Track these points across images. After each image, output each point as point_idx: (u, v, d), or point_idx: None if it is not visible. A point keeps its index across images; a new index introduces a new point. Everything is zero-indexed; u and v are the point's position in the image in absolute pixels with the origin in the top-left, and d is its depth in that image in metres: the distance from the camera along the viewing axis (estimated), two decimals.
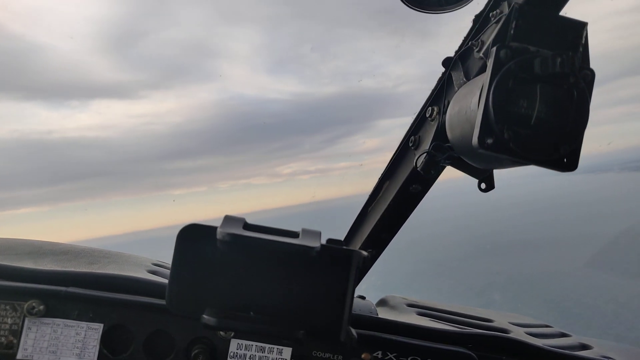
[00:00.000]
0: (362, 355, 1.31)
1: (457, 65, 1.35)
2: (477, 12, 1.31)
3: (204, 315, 0.91)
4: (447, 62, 1.40)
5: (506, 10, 1.12)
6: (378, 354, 1.32)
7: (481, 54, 1.19)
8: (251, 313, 0.92)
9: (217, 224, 0.91)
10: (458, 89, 1.27)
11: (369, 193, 1.98)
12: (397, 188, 1.71)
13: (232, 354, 1.27)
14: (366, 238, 1.98)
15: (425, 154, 1.38)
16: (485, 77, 0.97)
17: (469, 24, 1.35)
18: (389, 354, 1.33)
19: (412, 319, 1.62)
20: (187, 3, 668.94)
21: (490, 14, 1.21)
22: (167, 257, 0.93)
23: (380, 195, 1.90)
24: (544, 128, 0.95)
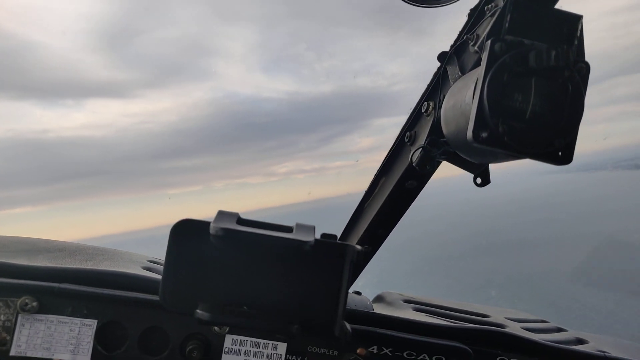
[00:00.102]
0: (358, 350, 1.31)
1: (453, 60, 1.35)
2: (472, 6, 1.31)
3: (198, 311, 0.90)
4: (442, 57, 1.40)
5: (501, 3, 1.12)
6: (373, 349, 1.32)
7: (476, 48, 1.18)
8: (245, 308, 0.91)
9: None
10: (453, 84, 1.27)
11: (365, 190, 1.98)
12: (393, 184, 1.71)
13: (226, 349, 1.27)
14: (362, 234, 1.98)
15: (420, 149, 1.38)
16: (480, 70, 0.97)
17: (465, 20, 1.35)
18: (384, 348, 1.33)
19: (408, 314, 1.62)
20: (182, 1, 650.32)
21: (486, 8, 1.21)
22: (163, 255, 0.93)
23: (376, 191, 1.90)
24: (538, 122, 0.95)
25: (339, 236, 2.11)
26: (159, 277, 1.33)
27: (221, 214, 0.93)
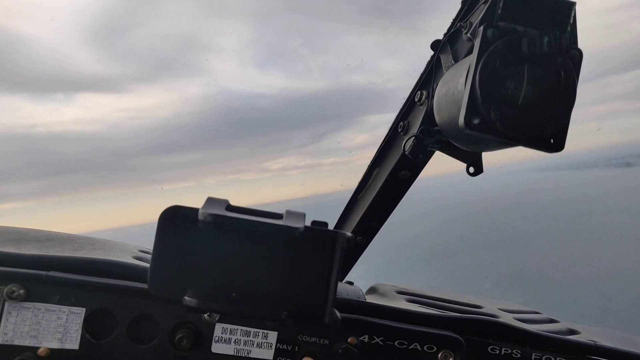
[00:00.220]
0: (349, 340, 1.31)
1: (446, 48, 1.34)
2: None
3: (186, 297, 0.90)
4: (435, 45, 1.39)
5: None
6: (364, 338, 1.32)
7: (469, 35, 1.18)
8: (233, 295, 0.91)
9: None
10: (446, 72, 1.26)
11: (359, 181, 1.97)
12: (387, 175, 1.71)
13: (216, 338, 1.26)
14: (355, 226, 1.97)
15: (413, 137, 1.38)
16: (472, 57, 0.96)
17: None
18: (375, 338, 1.32)
19: (401, 305, 1.62)
20: None
21: None
22: None
23: (369, 182, 1.90)
24: (531, 108, 0.94)
25: (333, 227, 2.11)
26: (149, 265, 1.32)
27: (210, 201, 0.92)
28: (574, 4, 1.03)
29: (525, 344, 1.46)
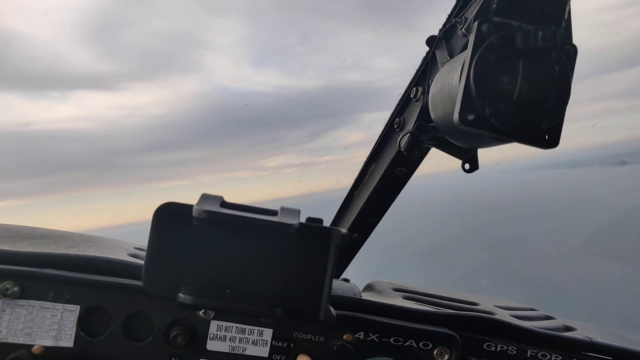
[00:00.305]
0: (344, 337, 1.30)
1: (441, 44, 1.33)
2: None
3: (180, 294, 0.89)
4: (430, 41, 1.38)
5: None
6: (360, 335, 1.32)
7: (464, 31, 1.17)
8: (227, 291, 0.90)
9: None
10: (441, 68, 1.26)
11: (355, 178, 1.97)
12: (383, 171, 1.70)
13: (212, 335, 1.26)
14: (352, 222, 1.97)
15: (408, 134, 1.37)
16: (467, 52, 0.96)
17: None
18: (371, 334, 1.32)
19: (397, 302, 1.62)
20: None
21: None
22: None
23: (365, 179, 1.90)
24: (525, 104, 0.94)
25: (329, 225, 2.11)
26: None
27: (205, 197, 0.91)
28: None
29: (520, 341, 1.46)
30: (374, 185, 1.77)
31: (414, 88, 1.46)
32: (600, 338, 1.57)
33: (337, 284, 1.67)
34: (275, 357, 1.28)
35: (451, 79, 1.05)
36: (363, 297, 1.53)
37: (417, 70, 1.48)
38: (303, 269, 0.93)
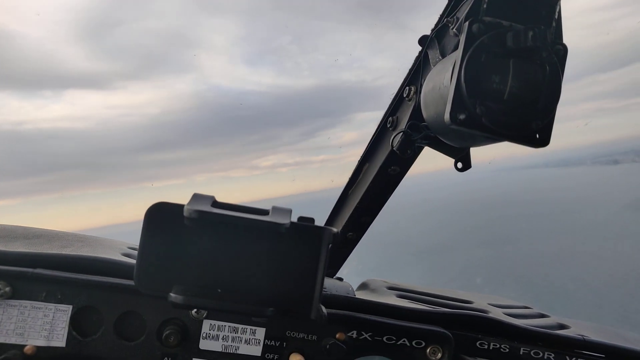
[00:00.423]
0: (337, 335, 1.31)
1: (434, 43, 1.34)
2: None
3: (171, 294, 0.89)
4: (423, 41, 1.39)
5: None
6: (353, 334, 1.32)
7: (455, 30, 1.18)
8: (219, 291, 0.90)
9: None
10: (433, 67, 1.26)
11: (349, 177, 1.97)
12: (376, 170, 1.71)
13: (204, 334, 1.26)
14: (346, 221, 1.97)
15: (401, 133, 1.38)
16: (458, 51, 0.96)
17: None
18: (363, 333, 1.32)
19: (391, 300, 1.63)
20: None
21: None
22: None
23: (359, 178, 1.90)
24: (516, 103, 0.94)
25: (323, 224, 2.11)
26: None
27: (196, 197, 0.91)
28: None
29: (513, 339, 1.47)
30: (367, 184, 1.78)
31: (407, 87, 1.47)
32: (593, 336, 1.58)
33: (330, 283, 1.67)
34: (268, 356, 1.28)
35: (442, 79, 1.06)
36: (357, 296, 1.54)
37: (410, 70, 1.48)
38: (294, 268, 0.94)
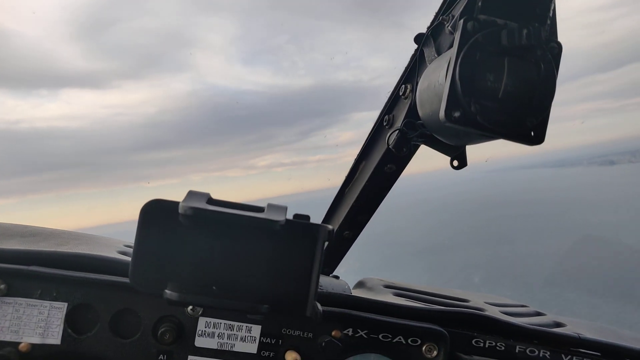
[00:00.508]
0: (333, 333, 1.31)
1: (429, 41, 1.34)
2: None
3: (166, 291, 0.89)
4: (418, 39, 1.39)
5: None
6: (348, 331, 1.32)
7: (450, 28, 1.18)
8: (214, 288, 0.90)
9: None
10: (429, 65, 1.27)
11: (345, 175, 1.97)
12: (373, 168, 1.71)
13: (200, 332, 1.26)
14: (343, 220, 1.98)
15: (397, 131, 1.38)
16: (453, 49, 0.97)
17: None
18: (359, 331, 1.33)
19: (387, 298, 1.63)
20: None
21: None
22: None
23: (356, 176, 1.90)
24: (511, 101, 0.95)
25: (320, 222, 2.11)
26: None
27: (191, 194, 0.91)
28: None
29: (509, 337, 1.48)
30: (364, 182, 1.78)
31: (403, 85, 1.47)
32: (589, 334, 1.59)
33: (327, 281, 1.67)
34: (263, 353, 1.28)
35: (438, 77, 1.06)
36: (353, 294, 1.54)
37: (406, 68, 1.49)
38: (290, 265, 0.94)
